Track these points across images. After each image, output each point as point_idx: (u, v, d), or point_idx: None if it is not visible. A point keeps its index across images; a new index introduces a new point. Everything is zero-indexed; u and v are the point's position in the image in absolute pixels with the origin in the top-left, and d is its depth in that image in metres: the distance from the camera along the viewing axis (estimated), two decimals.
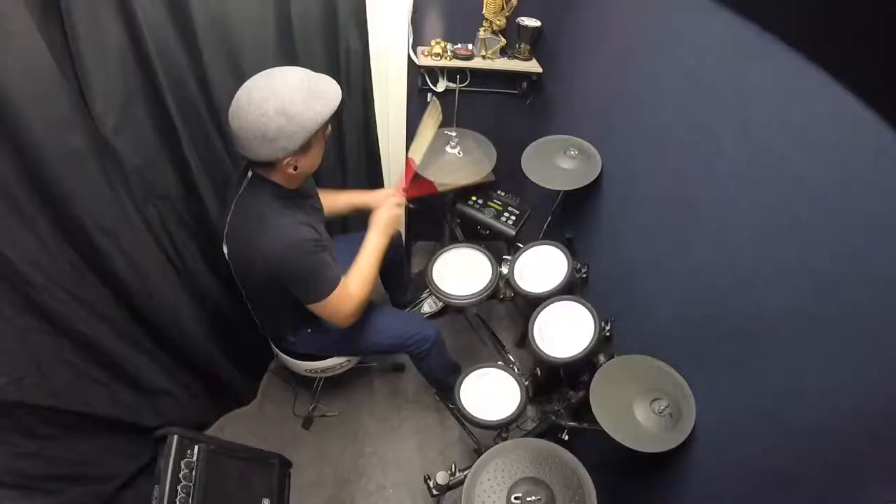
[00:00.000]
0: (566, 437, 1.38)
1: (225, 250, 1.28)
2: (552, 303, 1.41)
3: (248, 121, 1.02)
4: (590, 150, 1.54)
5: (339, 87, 1.11)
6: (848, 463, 0.71)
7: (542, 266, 1.53)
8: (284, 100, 1.01)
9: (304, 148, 1.09)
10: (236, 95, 1.06)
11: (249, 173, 1.17)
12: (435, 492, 1.32)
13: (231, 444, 1.50)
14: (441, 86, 1.90)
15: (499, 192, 1.95)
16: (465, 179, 1.64)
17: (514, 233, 1.76)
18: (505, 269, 1.58)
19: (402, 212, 1.42)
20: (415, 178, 1.54)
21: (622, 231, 1.43)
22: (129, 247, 1.28)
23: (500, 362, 1.49)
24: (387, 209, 1.41)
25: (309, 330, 1.46)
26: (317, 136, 1.10)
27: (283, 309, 1.40)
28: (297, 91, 1.03)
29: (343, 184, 1.90)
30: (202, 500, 1.26)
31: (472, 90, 1.93)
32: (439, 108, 1.61)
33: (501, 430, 1.49)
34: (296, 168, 1.12)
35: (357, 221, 2.03)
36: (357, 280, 1.31)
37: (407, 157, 1.54)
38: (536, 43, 1.84)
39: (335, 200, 1.55)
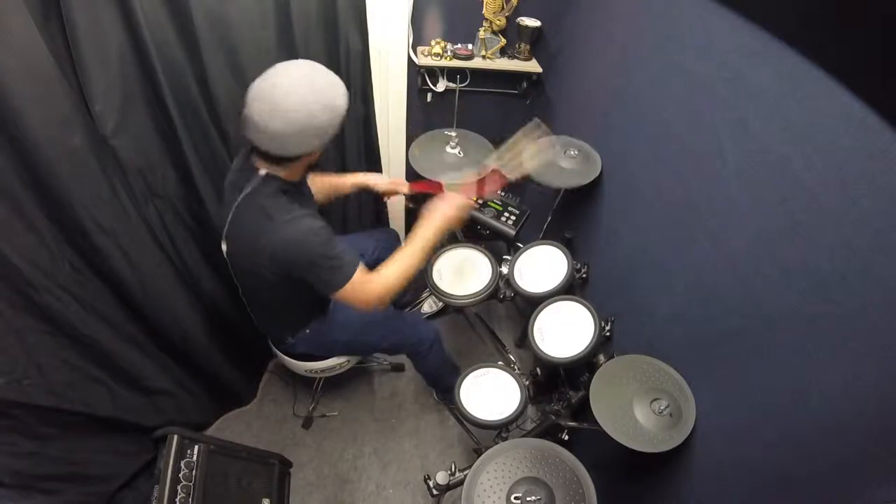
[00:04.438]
0: (566, 437, 1.38)
1: (224, 248, 1.26)
2: (552, 303, 1.41)
3: (296, 119, 1.01)
4: (590, 150, 1.54)
5: None
6: (848, 463, 0.71)
7: (542, 266, 1.53)
8: (328, 96, 1.05)
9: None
10: (266, 94, 1.01)
11: (262, 171, 1.12)
12: (435, 492, 1.32)
13: (231, 444, 1.50)
14: (441, 86, 1.90)
15: (498, 191, 1.95)
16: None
17: (514, 233, 1.75)
18: (505, 269, 1.58)
19: (464, 215, 1.31)
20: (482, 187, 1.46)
21: (622, 231, 1.43)
22: (128, 246, 1.28)
23: (500, 362, 1.49)
24: (447, 205, 1.30)
25: (308, 331, 1.46)
26: None
27: (282, 310, 1.39)
28: (335, 85, 1.07)
29: None
30: (202, 500, 1.26)
31: (472, 90, 1.93)
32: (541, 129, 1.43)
33: (501, 430, 1.49)
34: (312, 155, 1.14)
35: (357, 222, 2.03)
36: (395, 266, 1.23)
37: (493, 168, 1.41)
38: (536, 43, 1.83)
39: (339, 184, 1.53)
